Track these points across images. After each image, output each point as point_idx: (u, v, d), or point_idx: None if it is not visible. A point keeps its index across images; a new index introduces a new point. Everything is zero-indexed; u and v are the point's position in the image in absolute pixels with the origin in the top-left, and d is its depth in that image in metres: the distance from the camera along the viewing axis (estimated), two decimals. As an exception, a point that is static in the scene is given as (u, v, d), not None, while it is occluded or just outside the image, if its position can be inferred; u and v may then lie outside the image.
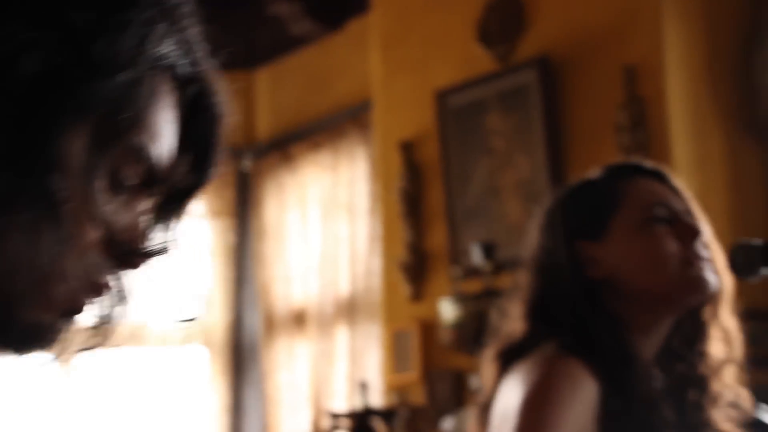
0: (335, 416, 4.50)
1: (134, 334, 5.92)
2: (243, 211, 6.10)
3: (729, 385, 1.52)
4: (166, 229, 0.79)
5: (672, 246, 1.48)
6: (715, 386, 1.51)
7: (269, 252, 5.86)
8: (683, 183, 1.61)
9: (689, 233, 1.49)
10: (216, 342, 5.92)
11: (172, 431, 5.89)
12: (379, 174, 5.14)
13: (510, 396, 1.41)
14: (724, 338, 1.53)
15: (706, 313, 1.51)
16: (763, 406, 1.66)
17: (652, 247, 1.49)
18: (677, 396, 1.53)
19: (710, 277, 1.48)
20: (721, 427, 1.50)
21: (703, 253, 1.50)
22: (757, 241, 1.43)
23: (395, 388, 4.60)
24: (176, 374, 5.98)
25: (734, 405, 1.52)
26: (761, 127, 4.09)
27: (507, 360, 1.49)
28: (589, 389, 1.38)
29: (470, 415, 1.54)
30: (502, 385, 1.45)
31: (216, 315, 5.95)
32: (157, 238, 0.78)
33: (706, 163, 4.06)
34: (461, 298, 4.29)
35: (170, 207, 0.79)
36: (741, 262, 1.43)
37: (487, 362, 1.54)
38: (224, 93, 0.80)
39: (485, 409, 1.49)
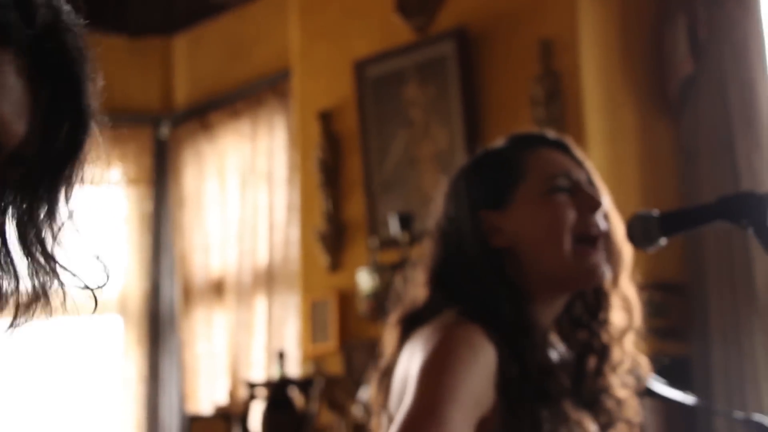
0: (252, 386, 4.50)
1: (48, 303, 5.84)
2: (161, 179, 6.04)
3: (629, 353, 1.56)
4: (51, 199, 0.77)
5: (570, 216, 1.51)
6: (616, 354, 1.55)
7: (187, 221, 5.82)
8: (593, 155, 1.64)
9: (590, 204, 1.52)
10: (132, 311, 5.87)
11: (88, 402, 5.83)
12: (298, 143, 5.13)
13: (410, 362, 1.42)
14: (624, 306, 1.57)
15: (606, 283, 1.55)
16: (656, 376, 1.72)
17: (551, 218, 1.51)
18: (577, 363, 1.56)
19: (602, 266, 1.51)
20: (618, 394, 1.54)
21: (602, 224, 1.53)
22: (654, 212, 1.47)
23: (313, 358, 4.62)
24: (91, 344, 5.92)
25: (633, 372, 1.57)
26: (672, 103, 4.17)
27: (408, 326, 1.50)
28: (488, 355, 1.40)
29: (372, 382, 1.55)
30: (403, 351, 1.47)
31: (132, 284, 5.90)
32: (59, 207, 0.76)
33: (619, 136, 4.13)
34: (379, 269, 4.32)
35: (45, 176, 0.77)
36: (638, 232, 1.47)
37: (389, 328, 1.54)
38: (92, 56, 0.77)
39: (386, 375, 1.51)
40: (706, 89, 4.06)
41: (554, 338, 1.58)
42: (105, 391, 5.84)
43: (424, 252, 1.59)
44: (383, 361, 1.54)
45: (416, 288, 1.56)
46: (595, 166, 1.66)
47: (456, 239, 1.54)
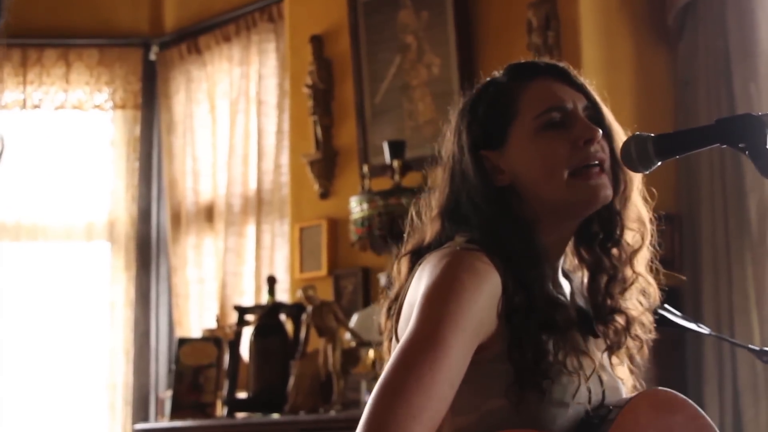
0: (242, 311, 4.50)
1: (36, 228, 5.83)
2: (150, 103, 5.98)
3: (640, 273, 1.55)
4: None
5: (561, 151, 1.49)
6: (627, 273, 1.54)
7: (177, 146, 5.77)
8: (588, 81, 1.60)
9: (584, 136, 1.49)
10: (122, 236, 5.85)
11: (78, 326, 5.85)
12: (289, 68, 5.07)
13: (417, 287, 1.42)
14: (636, 228, 1.55)
15: (618, 202, 1.53)
16: (668, 306, 1.70)
17: (541, 155, 1.49)
18: (589, 282, 1.55)
19: (602, 189, 1.49)
20: (630, 312, 1.54)
21: (599, 155, 1.50)
22: (650, 134, 1.45)
23: (303, 285, 4.61)
24: (81, 269, 5.91)
25: (644, 292, 1.56)
26: (670, 31, 4.12)
27: (418, 257, 1.50)
28: (493, 282, 1.39)
29: (381, 309, 1.56)
30: (411, 278, 1.47)
31: (120, 209, 5.87)
32: None
33: (615, 64, 4.09)
34: (370, 196, 4.29)
35: None
36: (633, 154, 1.45)
37: (400, 258, 1.55)
38: None
39: (396, 302, 1.51)
40: (704, 17, 4.01)
41: (567, 262, 1.57)
42: (95, 317, 5.85)
43: (436, 184, 1.58)
44: (393, 289, 1.55)
45: (427, 221, 1.57)
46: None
47: (461, 178, 1.55)
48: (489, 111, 1.55)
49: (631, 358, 1.57)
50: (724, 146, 1.44)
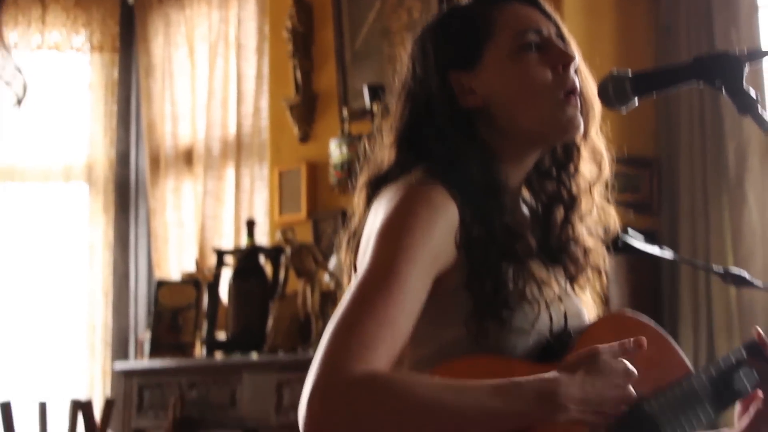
0: (221, 253, 4.51)
1: (14, 170, 5.80)
2: (128, 47, 5.92)
3: (597, 204, 1.56)
4: None
5: (544, 75, 1.48)
6: (584, 204, 1.55)
7: (155, 89, 5.73)
8: (568, 29, 1.59)
9: (561, 59, 1.48)
10: (100, 179, 5.83)
11: (56, 268, 5.84)
12: (269, 12, 5.03)
13: (374, 220, 1.41)
14: (594, 158, 1.55)
15: (577, 135, 1.53)
16: (633, 232, 1.72)
17: (523, 77, 1.47)
18: (545, 214, 1.56)
19: (577, 118, 1.48)
20: (586, 243, 1.54)
21: (575, 80, 1.50)
22: (628, 72, 1.44)
23: (282, 228, 4.62)
24: (60, 211, 5.90)
25: (601, 223, 1.56)
26: (651, -25, 4.11)
27: (375, 188, 1.48)
28: (449, 213, 1.38)
29: (341, 244, 1.54)
30: (369, 212, 1.46)
31: (99, 151, 5.84)
32: None
33: (596, 10, 4.07)
34: (349, 140, 4.29)
35: None
36: (611, 91, 1.45)
37: (357, 191, 1.53)
38: None
39: (354, 237, 1.50)
40: (686, -38, 3.99)
41: (523, 195, 1.57)
42: (73, 259, 5.84)
43: (390, 112, 1.55)
44: (351, 224, 1.53)
45: (383, 150, 1.53)
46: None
47: (424, 101, 1.50)
48: (461, 30, 1.50)
49: (593, 287, 1.58)
50: (702, 84, 1.44)
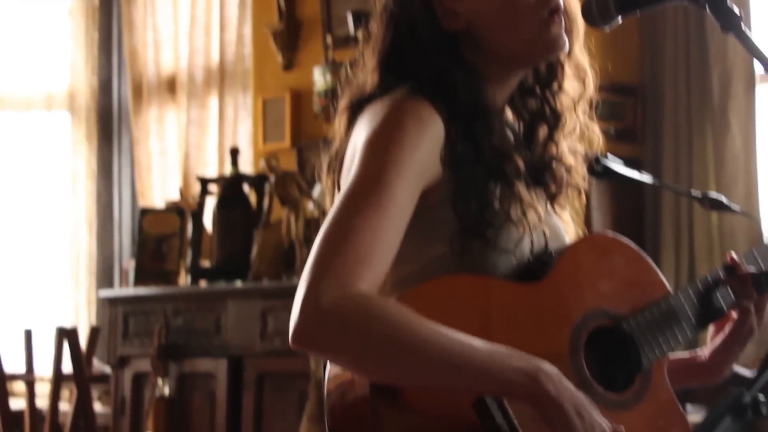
0: (205, 182, 4.50)
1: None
2: (109, -27, 5.83)
3: (581, 121, 1.55)
4: None
5: None
6: (567, 121, 1.54)
7: (137, 16, 5.65)
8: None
9: None
10: (82, 107, 5.78)
11: (40, 197, 5.83)
12: (252, -64, 4.96)
13: (358, 137, 1.40)
14: (578, 76, 1.54)
15: (561, 53, 1.52)
16: (612, 157, 1.72)
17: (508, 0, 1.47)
18: (527, 132, 1.55)
19: (563, 36, 1.47)
20: (568, 161, 1.54)
21: (560, 1, 1.48)
22: None
23: (266, 156, 4.61)
24: (42, 140, 5.86)
25: (585, 140, 1.56)
26: None
27: (357, 109, 1.46)
28: (436, 129, 1.38)
29: (322, 164, 1.52)
30: (351, 133, 1.44)
31: (80, 79, 5.78)
32: None
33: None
34: (334, 67, 4.26)
35: None
36: (594, 9, 1.44)
37: (338, 113, 1.51)
38: None
39: (336, 157, 1.49)
40: None
41: (506, 116, 1.56)
42: (57, 188, 5.82)
43: (372, 35, 1.53)
44: (333, 146, 1.52)
45: (366, 74, 1.52)
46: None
47: (407, 23, 1.48)
48: None
49: (572, 206, 1.58)
50: (686, 2, 1.42)
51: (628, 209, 3.98)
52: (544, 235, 1.46)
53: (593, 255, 1.48)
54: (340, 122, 1.50)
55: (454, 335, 1.26)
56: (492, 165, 1.42)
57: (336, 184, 1.48)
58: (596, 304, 1.45)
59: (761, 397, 1.23)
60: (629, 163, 1.82)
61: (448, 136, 1.39)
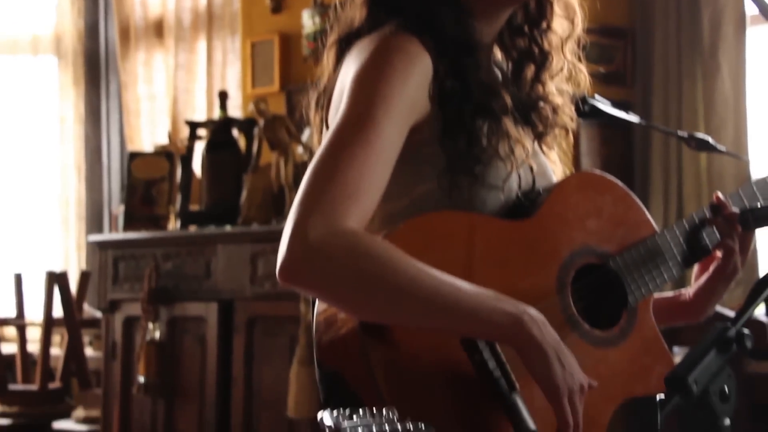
0: (194, 126, 4.48)
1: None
2: None
3: (569, 61, 1.55)
4: None
5: None
6: (555, 61, 1.54)
7: (123, -42, 5.59)
8: None
9: None
10: (69, 51, 5.73)
11: (27, 142, 5.80)
12: None
13: (346, 74, 1.39)
14: (566, 15, 1.54)
15: None
16: (600, 97, 1.72)
17: None
18: (515, 71, 1.55)
19: None
20: (555, 100, 1.54)
21: None
22: None
23: (255, 100, 4.58)
24: (29, 84, 5.82)
25: (572, 80, 1.56)
26: None
27: (346, 44, 1.45)
28: (424, 65, 1.37)
29: (309, 100, 1.52)
30: (340, 69, 1.44)
31: (67, 22, 5.73)
32: None
33: None
34: (322, 9, 4.22)
35: None
36: None
37: (327, 49, 1.50)
38: None
39: (324, 93, 1.48)
40: None
41: (495, 55, 1.56)
42: (44, 132, 5.80)
43: None
44: (321, 82, 1.51)
45: (354, 9, 1.51)
46: None
47: None
48: None
49: (560, 146, 1.58)
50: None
51: (617, 154, 3.98)
52: (531, 170, 1.46)
53: (581, 193, 1.48)
54: (328, 58, 1.49)
55: (442, 276, 1.27)
56: (479, 101, 1.42)
57: (324, 122, 1.48)
58: (583, 241, 1.46)
59: (746, 331, 1.24)
60: (619, 105, 1.82)
61: (436, 73, 1.38)
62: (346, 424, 1.03)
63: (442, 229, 1.36)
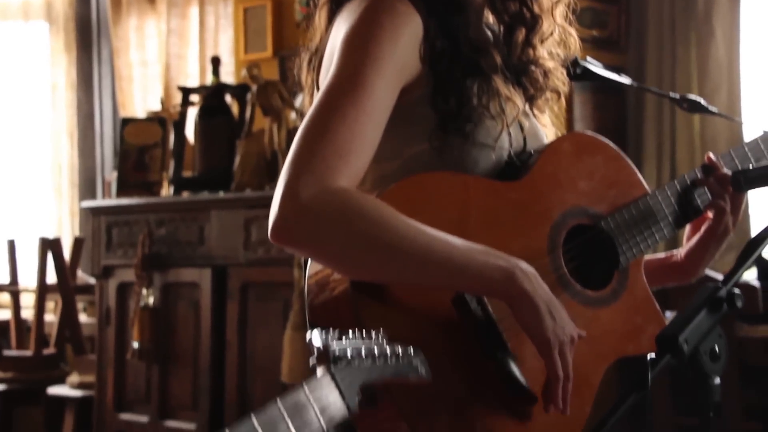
0: (187, 91, 4.46)
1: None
2: None
3: (559, 25, 1.54)
4: None
5: None
6: (546, 24, 1.53)
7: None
8: None
9: None
10: (60, 17, 5.70)
11: (19, 108, 5.78)
12: None
13: (336, 34, 1.39)
14: None
15: None
16: (592, 59, 1.71)
17: None
18: (506, 34, 1.54)
19: None
20: (546, 64, 1.54)
21: None
22: None
23: (248, 65, 4.57)
24: (20, 50, 5.79)
25: (562, 44, 1.55)
26: None
27: (337, 5, 1.45)
28: (414, 24, 1.37)
29: (301, 62, 1.52)
30: (331, 30, 1.43)
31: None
32: None
33: None
34: (315, -25, 4.19)
35: None
36: None
37: (318, 8, 1.50)
38: None
39: (316, 54, 1.48)
40: None
41: (486, 18, 1.55)
42: (36, 99, 5.77)
43: None
44: (312, 42, 1.51)
45: None
46: None
47: None
48: None
49: (551, 109, 1.58)
50: None
51: (611, 119, 3.98)
52: (522, 128, 1.46)
53: (573, 154, 1.49)
54: (320, 18, 1.49)
55: (433, 233, 1.27)
56: (469, 59, 1.41)
57: (315, 83, 1.48)
58: (575, 202, 1.46)
59: (736, 290, 1.25)
60: (612, 70, 1.82)
61: (427, 32, 1.38)
62: (335, 344, 1.03)
63: (433, 190, 1.36)
